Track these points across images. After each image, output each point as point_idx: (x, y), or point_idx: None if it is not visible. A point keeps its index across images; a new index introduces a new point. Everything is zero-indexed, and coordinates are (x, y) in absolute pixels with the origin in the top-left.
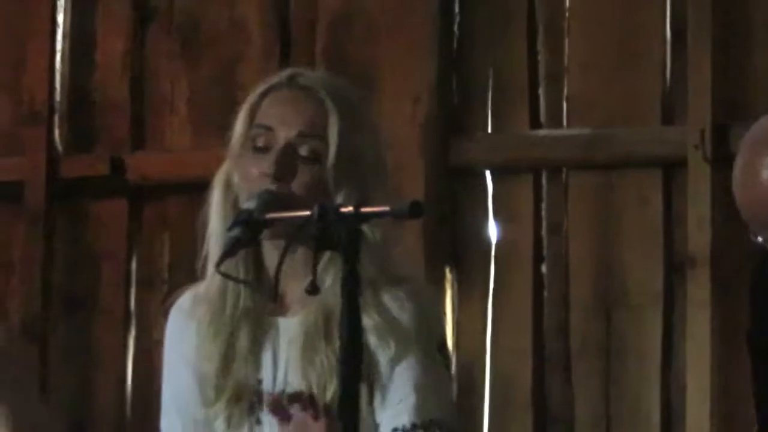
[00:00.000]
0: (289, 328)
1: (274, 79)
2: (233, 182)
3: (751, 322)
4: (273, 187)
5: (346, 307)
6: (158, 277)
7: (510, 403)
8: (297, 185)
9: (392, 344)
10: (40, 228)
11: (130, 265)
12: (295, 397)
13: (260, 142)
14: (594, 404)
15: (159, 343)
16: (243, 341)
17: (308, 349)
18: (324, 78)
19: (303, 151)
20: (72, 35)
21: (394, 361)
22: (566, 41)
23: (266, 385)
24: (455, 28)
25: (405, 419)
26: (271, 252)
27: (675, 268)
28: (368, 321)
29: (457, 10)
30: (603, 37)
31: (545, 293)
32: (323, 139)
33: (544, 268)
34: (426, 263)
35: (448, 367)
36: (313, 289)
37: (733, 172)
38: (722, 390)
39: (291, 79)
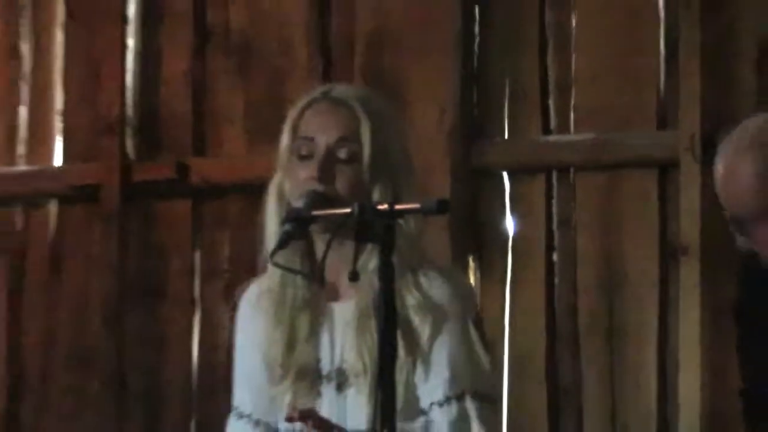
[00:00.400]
0: (344, 311)
1: (311, 95)
2: (285, 191)
3: (738, 295)
4: (319, 187)
5: (382, 292)
6: (219, 268)
7: (526, 377)
8: (339, 185)
9: (430, 319)
10: (114, 226)
11: (194, 257)
12: (347, 375)
13: (304, 151)
14: (600, 377)
15: (220, 326)
16: (303, 327)
17: (362, 328)
18: (354, 90)
19: (342, 154)
20: (140, 56)
21: (433, 337)
22: (573, 57)
23: (324, 363)
24: (475, 47)
25: (440, 393)
26: (320, 245)
27: (669, 256)
28: (410, 300)
29: (476, 31)
30: (605, 53)
31: (556, 280)
32: (358, 142)
33: (555, 257)
34: (452, 254)
35: (482, 338)
36: (354, 276)
37: (715, 172)
38: (711, 362)
39: (325, 94)
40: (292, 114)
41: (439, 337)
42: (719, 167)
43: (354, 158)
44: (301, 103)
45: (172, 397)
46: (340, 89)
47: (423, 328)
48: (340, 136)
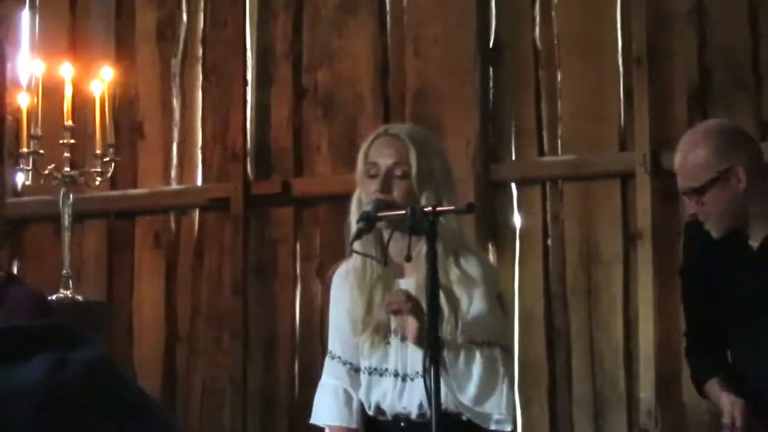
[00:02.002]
0: (407, 286)
1: (376, 132)
2: (362, 200)
3: (682, 265)
4: (382, 196)
5: (429, 269)
6: (313, 254)
7: (530, 324)
8: (396, 194)
9: (466, 290)
10: (240, 226)
11: (296, 247)
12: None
13: (372, 172)
14: (582, 324)
15: (315, 296)
16: (378, 294)
17: (418, 298)
18: (405, 127)
19: (397, 173)
20: (256, 106)
21: (468, 302)
22: (559, 102)
23: (393, 321)
24: (490, 96)
25: (474, 339)
26: (385, 237)
27: (630, 239)
28: (452, 275)
29: (491, 85)
30: (582, 99)
31: (550, 258)
32: (408, 164)
33: (549, 242)
34: (477, 241)
35: (503, 308)
36: (408, 258)
37: (675, 159)
38: (660, 312)
39: (386, 131)
40: (363, 146)
41: (473, 302)
42: (678, 155)
43: (405, 176)
44: (369, 138)
45: (282, 345)
46: (395, 127)
47: (462, 295)
48: (395, 161)
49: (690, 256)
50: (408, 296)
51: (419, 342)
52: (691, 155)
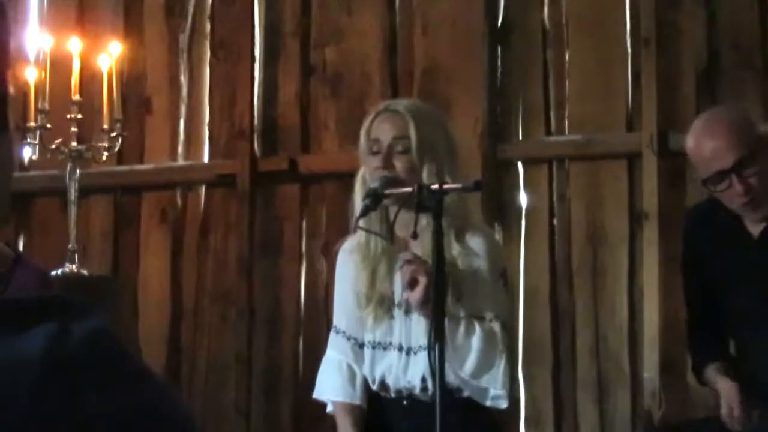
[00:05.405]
0: None
1: (377, 109)
2: (366, 178)
3: (682, 255)
4: (386, 173)
5: (435, 247)
6: (318, 232)
7: (535, 304)
8: (398, 169)
9: (469, 263)
10: (246, 203)
11: (302, 225)
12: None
13: (374, 148)
14: (587, 304)
15: (321, 273)
16: (382, 269)
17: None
18: (405, 102)
19: (398, 148)
20: (264, 83)
21: (471, 276)
22: (566, 81)
23: (396, 295)
24: (498, 75)
25: (476, 314)
26: (392, 214)
27: (636, 219)
28: (456, 251)
29: (499, 64)
30: (589, 79)
31: (556, 237)
32: (408, 138)
33: (555, 222)
34: (483, 220)
35: (506, 284)
36: (414, 236)
37: (688, 148)
38: (665, 292)
39: (386, 107)
40: (365, 124)
41: (476, 277)
42: (691, 141)
43: (406, 150)
44: (370, 116)
45: (287, 322)
46: (396, 103)
47: (465, 269)
48: (394, 136)
49: (689, 245)
50: (422, 261)
51: (424, 306)
52: (707, 134)
